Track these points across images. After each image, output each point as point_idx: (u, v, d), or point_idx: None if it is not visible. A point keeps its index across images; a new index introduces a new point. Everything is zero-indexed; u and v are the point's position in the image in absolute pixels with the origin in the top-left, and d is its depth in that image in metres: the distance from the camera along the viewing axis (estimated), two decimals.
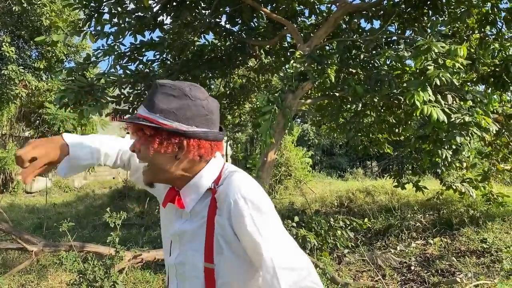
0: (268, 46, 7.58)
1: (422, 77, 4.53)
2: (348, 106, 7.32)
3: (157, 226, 7.89)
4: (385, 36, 5.72)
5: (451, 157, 4.91)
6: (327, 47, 6.62)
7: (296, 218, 5.32)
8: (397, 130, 7.66)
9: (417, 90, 4.22)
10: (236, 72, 9.11)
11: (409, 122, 7.69)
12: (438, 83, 4.22)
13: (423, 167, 6.18)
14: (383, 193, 9.03)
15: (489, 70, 5.61)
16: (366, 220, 5.94)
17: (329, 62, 5.66)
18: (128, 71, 6.36)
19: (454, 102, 4.75)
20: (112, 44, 5.73)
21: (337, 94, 6.21)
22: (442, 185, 7.03)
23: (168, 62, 7.23)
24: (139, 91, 6.83)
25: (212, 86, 9.30)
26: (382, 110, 7.29)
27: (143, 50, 6.24)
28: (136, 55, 6.28)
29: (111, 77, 5.66)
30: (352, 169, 23.02)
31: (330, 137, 24.56)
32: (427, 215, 7.44)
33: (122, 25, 5.73)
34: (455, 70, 4.31)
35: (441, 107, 4.44)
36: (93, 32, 5.54)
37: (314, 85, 5.65)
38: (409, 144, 7.56)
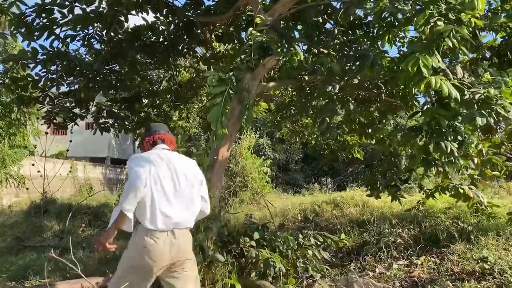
0: (220, 29, 6.33)
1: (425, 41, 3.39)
2: (315, 102, 6.19)
3: (79, 249, 6.23)
4: None
5: (457, 151, 3.75)
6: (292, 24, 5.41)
7: (256, 235, 3.97)
8: (369, 130, 6.66)
9: (423, 54, 3.06)
10: (182, 64, 7.74)
11: (383, 121, 6.72)
12: (451, 44, 3.09)
13: (410, 168, 5.08)
14: (353, 205, 7.86)
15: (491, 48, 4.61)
16: (342, 235, 4.72)
17: (295, 36, 4.45)
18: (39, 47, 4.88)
19: (465, 76, 3.62)
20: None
21: (306, 78, 4.96)
22: (422, 193, 6.02)
23: (95, 41, 5.77)
24: (54, 74, 5.31)
25: (153, 79, 7.85)
26: (354, 106, 6.17)
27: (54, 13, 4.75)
28: (46, 22, 4.79)
29: None
30: (308, 185, 22.17)
31: (286, 151, 23.83)
32: (407, 230, 6.30)
33: None
34: (471, 28, 3.22)
35: (451, 81, 3.30)
36: None
37: (278, 62, 4.40)
38: (383, 146, 6.58)
